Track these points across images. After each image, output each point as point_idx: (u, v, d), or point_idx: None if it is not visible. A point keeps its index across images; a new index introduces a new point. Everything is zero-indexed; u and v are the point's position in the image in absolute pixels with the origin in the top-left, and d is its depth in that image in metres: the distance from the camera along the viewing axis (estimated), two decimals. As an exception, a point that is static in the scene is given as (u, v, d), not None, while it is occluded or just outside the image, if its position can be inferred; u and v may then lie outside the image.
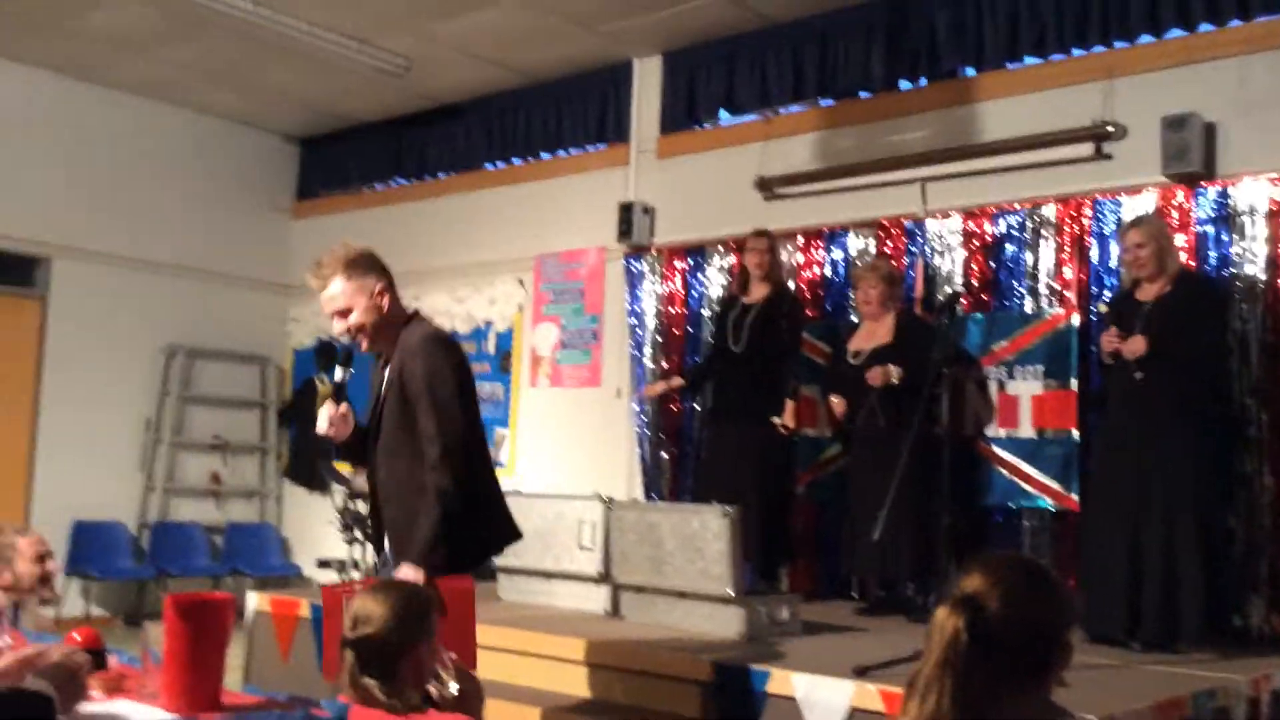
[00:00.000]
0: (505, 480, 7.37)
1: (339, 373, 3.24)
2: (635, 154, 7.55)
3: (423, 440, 3.03)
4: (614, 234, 7.37)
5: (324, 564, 8.15)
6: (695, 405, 6.92)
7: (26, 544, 3.23)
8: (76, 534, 7.93)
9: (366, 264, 3.19)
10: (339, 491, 7.32)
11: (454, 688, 2.37)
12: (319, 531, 8.33)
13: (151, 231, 8.60)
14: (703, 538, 4.36)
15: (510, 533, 3.33)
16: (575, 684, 4.01)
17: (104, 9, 7.08)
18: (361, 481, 7.04)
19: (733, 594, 4.28)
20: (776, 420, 5.59)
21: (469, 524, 3.06)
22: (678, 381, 6.45)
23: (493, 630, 4.30)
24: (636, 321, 7.34)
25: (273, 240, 9.47)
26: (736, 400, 5.77)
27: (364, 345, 3.23)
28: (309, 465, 8.89)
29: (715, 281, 7.01)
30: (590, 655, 4.02)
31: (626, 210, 7.32)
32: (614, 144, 7.71)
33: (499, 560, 5.18)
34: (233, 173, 9.23)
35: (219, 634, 2.04)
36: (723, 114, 7.23)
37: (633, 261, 7.41)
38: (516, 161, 8.27)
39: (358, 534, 6.67)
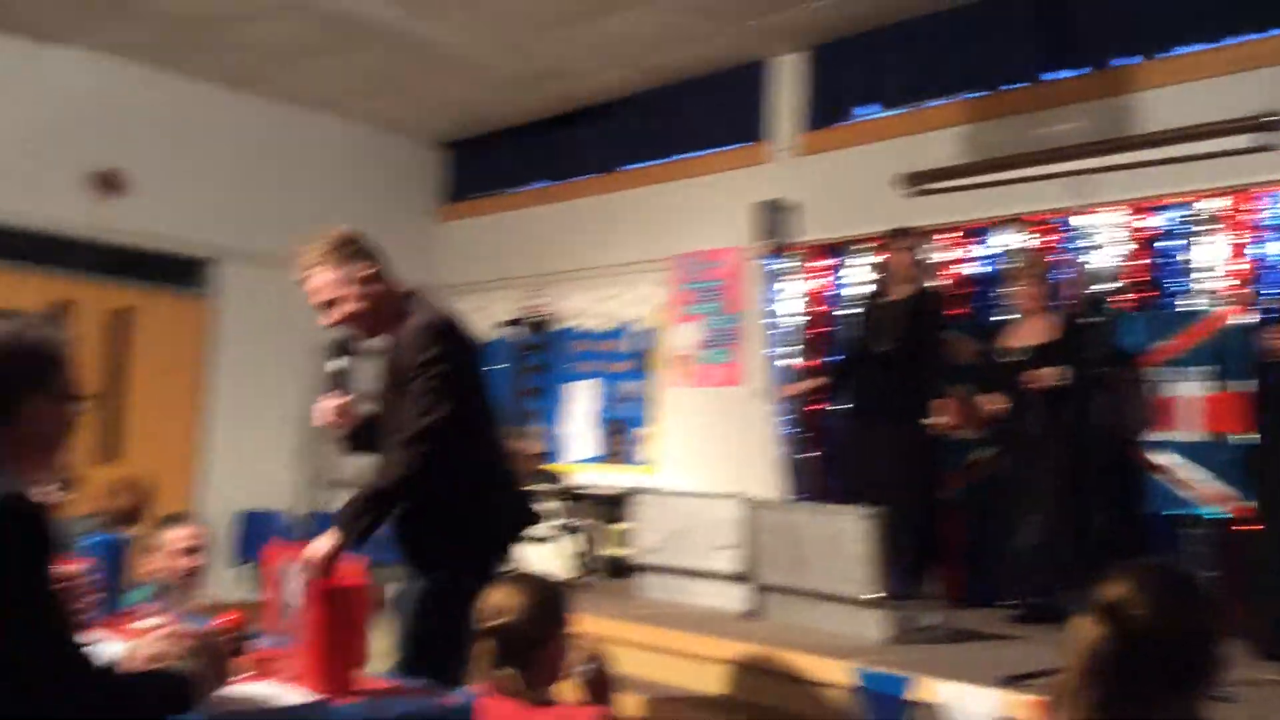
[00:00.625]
0: (647, 478, 7.49)
1: (333, 363, 3.17)
2: (775, 152, 7.48)
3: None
4: (754, 233, 7.32)
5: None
6: (838, 405, 6.80)
7: (174, 538, 3.38)
8: (240, 524, 8.30)
9: (350, 250, 3.10)
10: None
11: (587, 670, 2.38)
12: (465, 527, 8.49)
13: (309, 234, 8.91)
14: (844, 539, 4.28)
15: (525, 517, 3.22)
16: (714, 682, 3.98)
17: (263, 22, 7.37)
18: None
19: (875, 597, 4.19)
20: (928, 420, 5.42)
21: (478, 513, 2.98)
22: (819, 381, 6.34)
23: (632, 627, 4.32)
24: (777, 320, 7.27)
25: (422, 243, 9.72)
26: (880, 400, 5.64)
27: (360, 334, 3.15)
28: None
29: (857, 280, 6.89)
30: (729, 654, 3.99)
31: (767, 209, 7.26)
32: (754, 142, 7.65)
33: (639, 557, 5.19)
34: (384, 178, 9.51)
35: (358, 619, 2.09)
36: (865, 109, 7.09)
37: (773, 260, 7.34)
38: (656, 162, 8.28)
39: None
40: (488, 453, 3.09)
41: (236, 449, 8.39)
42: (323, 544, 2.72)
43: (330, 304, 3.06)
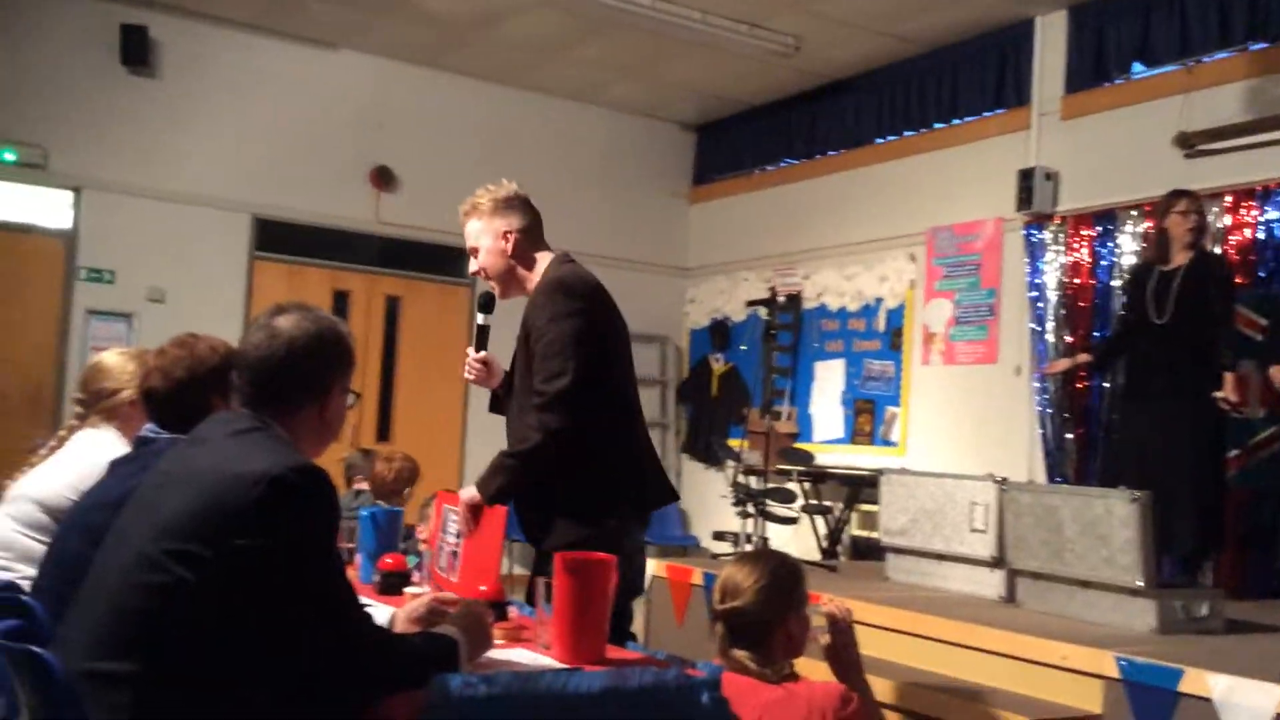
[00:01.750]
0: (895, 459, 7.35)
1: (480, 318, 3.15)
2: (1036, 117, 7.14)
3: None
4: (1013, 203, 7.01)
5: (719, 536, 8.41)
6: (1104, 383, 6.44)
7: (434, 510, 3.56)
8: (501, 500, 8.69)
9: (503, 206, 3.06)
10: (732, 466, 7.50)
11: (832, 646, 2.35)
12: (715, 504, 8.60)
13: (564, 221, 9.08)
14: (1108, 524, 4.05)
15: (662, 493, 3.10)
16: (967, 669, 3.87)
17: (519, 18, 7.67)
18: (754, 456, 7.21)
19: (1143, 585, 3.95)
20: (1218, 395, 5.01)
21: (608, 479, 2.90)
22: (1084, 358, 5.95)
23: (882, 610, 4.25)
24: (1038, 295, 6.94)
25: (671, 225, 9.88)
26: (1159, 376, 5.24)
27: (496, 291, 3.12)
28: (705, 441, 9.20)
29: (1127, 249, 6.48)
30: (983, 641, 3.86)
31: (1027, 177, 6.93)
32: (1013, 108, 7.33)
33: (886, 539, 5.10)
34: (635, 163, 9.71)
35: (602, 592, 2.15)
36: (1136, 67, 6.65)
37: (1033, 231, 7.01)
38: (908, 133, 8.07)
39: (750, 508, 6.80)
40: (620, 415, 3.01)
41: (498, 429, 8.78)
42: (466, 494, 2.90)
43: (474, 253, 3.10)
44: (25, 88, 7.43)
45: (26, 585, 2.57)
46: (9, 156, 7.39)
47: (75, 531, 2.34)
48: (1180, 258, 5.27)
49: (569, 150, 9.33)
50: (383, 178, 8.56)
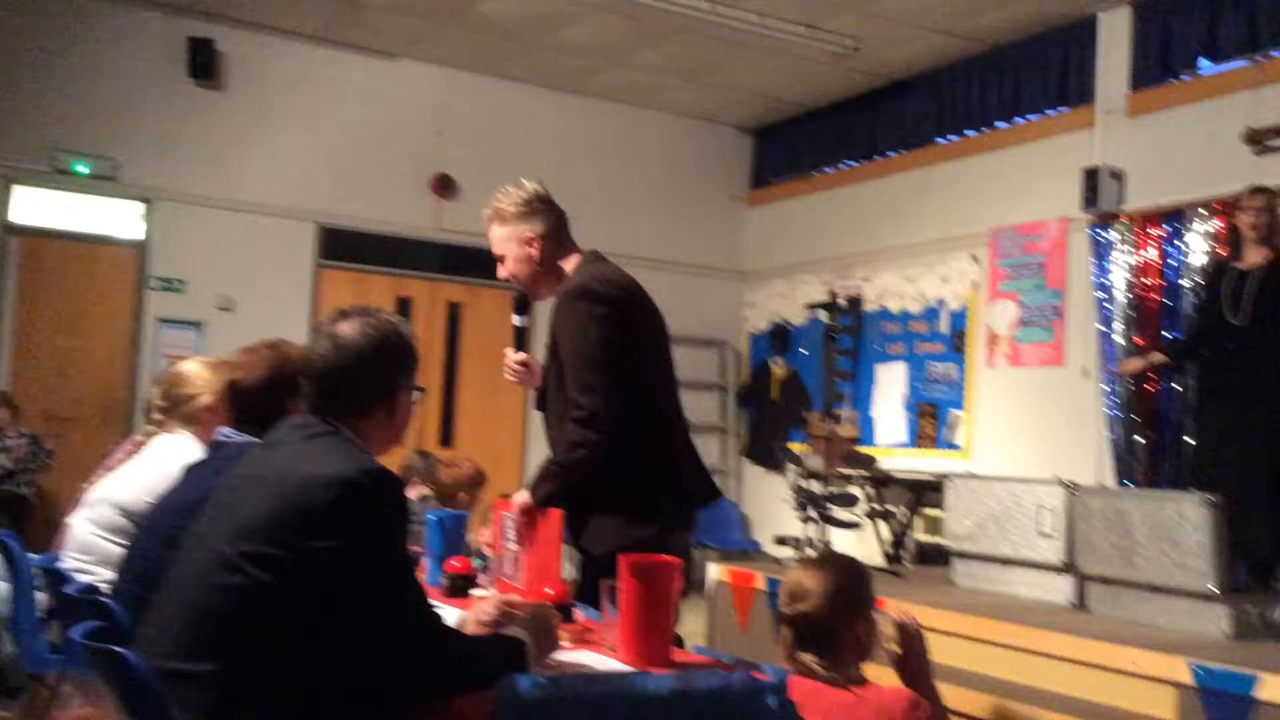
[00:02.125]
0: (960, 463, 7.27)
1: (516, 319, 3.13)
2: (1101, 115, 7.03)
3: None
4: (1078, 202, 6.91)
5: (781, 541, 8.36)
6: (1174, 385, 6.32)
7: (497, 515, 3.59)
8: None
9: (526, 211, 3.01)
10: (793, 470, 7.47)
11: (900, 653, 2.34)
12: (776, 509, 8.56)
13: (623, 226, 9.23)
14: (1180, 528, 3.98)
15: (704, 491, 3.06)
16: (1036, 675, 3.82)
17: (577, 24, 7.72)
18: (815, 460, 7.17)
19: (1216, 590, 3.87)
20: None
21: (648, 481, 2.87)
22: (1159, 357, 5.83)
23: (949, 615, 4.21)
24: (1104, 295, 6.83)
25: (729, 229, 9.87)
26: (1236, 378, 5.14)
27: (531, 296, 3.09)
28: (765, 445, 9.17)
29: (1197, 248, 6.36)
30: (1053, 647, 3.81)
31: (1092, 176, 6.83)
32: (1076, 106, 7.22)
33: (952, 544, 5.05)
34: (693, 167, 9.71)
35: (667, 594, 2.16)
36: (1203, 63, 6.53)
37: (1100, 231, 6.90)
38: (969, 133, 7.99)
39: (812, 512, 6.76)
40: (654, 422, 2.96)
41: (559, 432, 8.83)
42: (519, 497, 2.92)
43: (500, 260, 3.07)
44: (97, 101, 7.62)
45: (105, 588, 2.64)
46: (82, 169, 7.58)
47: (151, 534, 2.40)
48: (1255, 256, 5.16)
49: (627, 155, 9.36)
50: (444, 185, 8.65)
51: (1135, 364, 6.01)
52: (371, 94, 8.45)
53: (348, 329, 2.08)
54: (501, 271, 3.06)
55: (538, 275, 3.03)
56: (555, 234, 3.05)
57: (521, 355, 3.16)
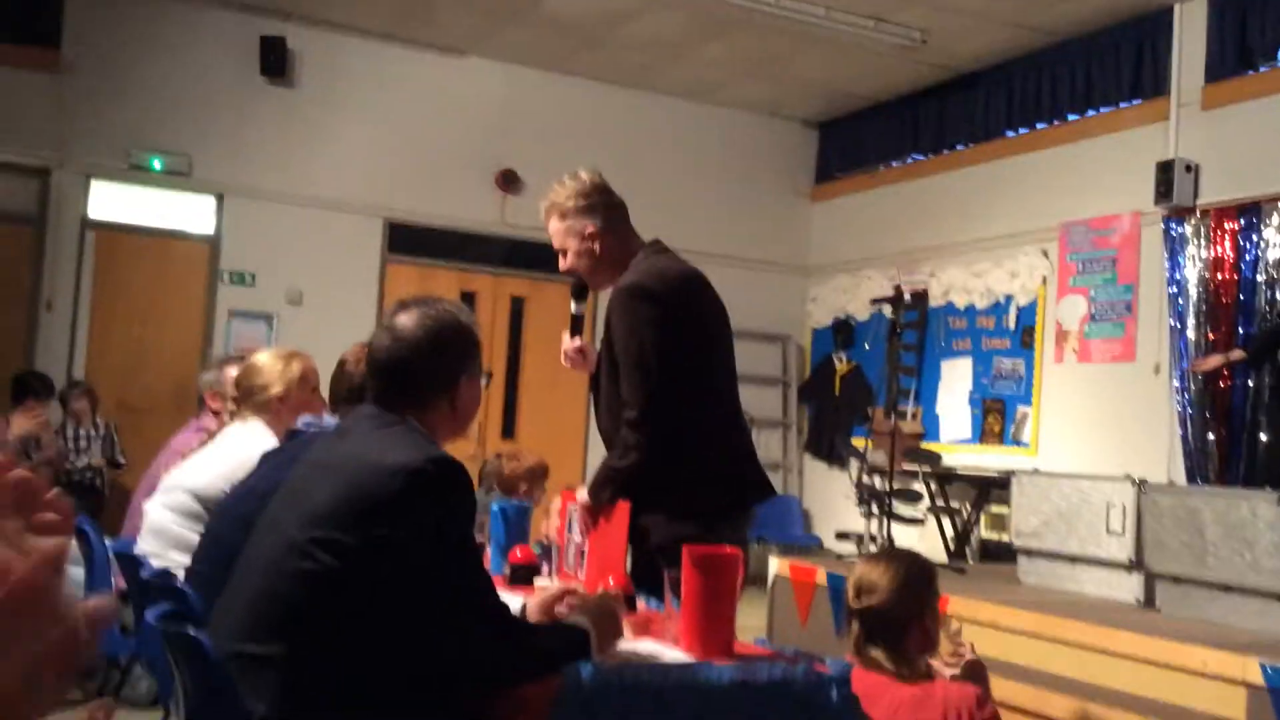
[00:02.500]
0: (1027, 460, 7.17)
1: (574, 306, 3.12)
2: (1175, 107, 6.89)
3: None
4: (1150, 196, 6.78)
5: (842, 536, 8.33)
6: (1248, 382, 6.18)
7: (558, 506, 3.62)
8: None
9: (585, 205, 2.99)
10: (855, 465, 7.43)
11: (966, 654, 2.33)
12: (838, 504, 8.53)
13: (686, 222, 9.21)
14: (1253, 527, 3.90)
15: (759, 489, 3.04)
16: (1103, 674, 3.76)
17: (641, 20, 7.73)
18: (878, 456, 7.12)
19: (1292, 592, 3.79)
20: None
21: (703, 477, 2.86)
22: (1238, 354, 5.68)
23: (1015, 613, 4.16)
24: (1177, 291, 6.70)
25: (793, 224, 9.82)
26: None
27: (591, 287, 3.09)
28: (827, 440, 9.13)
29: (1273, 243, 6.21)
30: (1121, 646, 3.75)
31: (1165, 169, 6.69)
32: (1150, 99, 7.09)
33: (1018, 541, 4.99)
34: (757, 161, 9.68)
35: (729, 585, 2.16)
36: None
37: (1173, 225, 6.77)
38: (1039, 126, 7.87)
39: (874, 508, 6.72)
40: (710, 418, 2.96)
41: (621, 426, 8.85)
42: (582, 496, 2.94)
43: (562, 253, 3.06)
44: (171, 99, 7.79)
45: (179, 573, 2.70)
46: (156, 164, 7.75)
47: (228, 519, 2.46)
48: None
49: (691, 150, 9.35)
50: (508, 181, 8.71)
51: (1213, 361, 5.88)
52: (438, 90, 8.53)
53: (406, 321, 2.10)
54: (563, 264, 3.07)
55: (599, 269, 3.03)
56: (615, 227, 3.04)
57: (577, 341, 3.15)
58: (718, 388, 3.04)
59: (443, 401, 2.11)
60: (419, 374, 2.08)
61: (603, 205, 3.03)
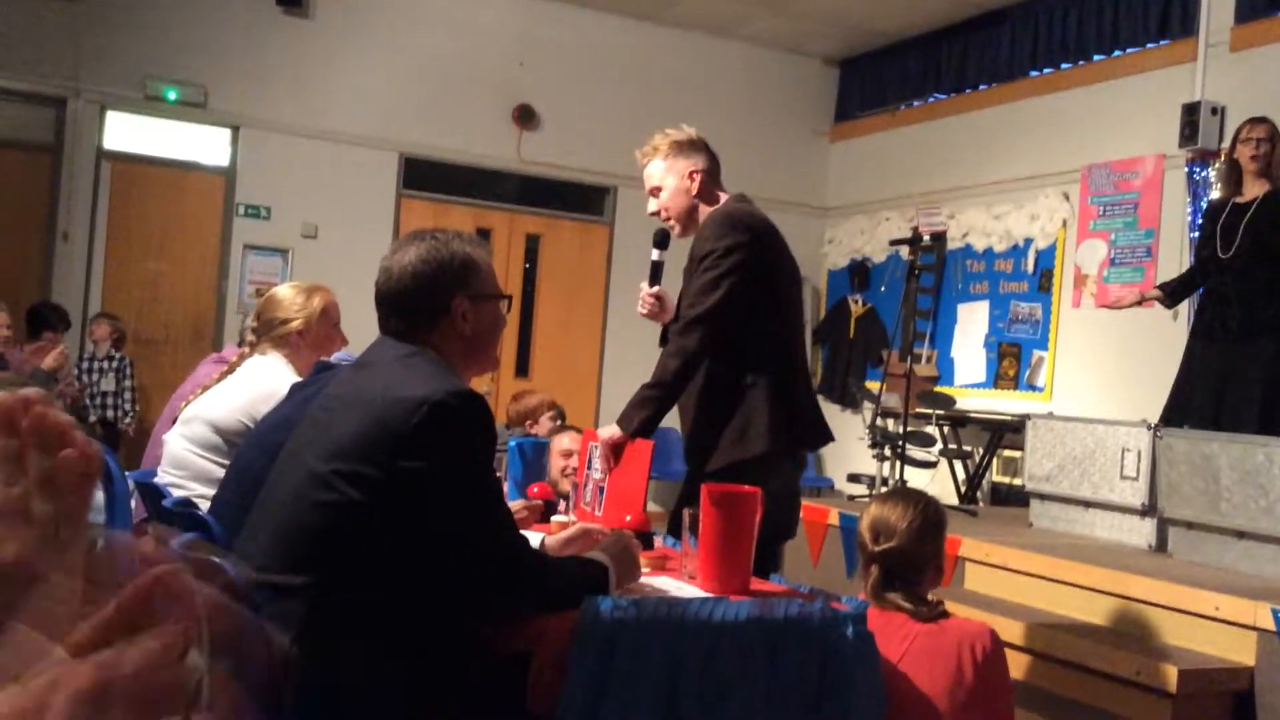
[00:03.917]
0: (1041, 404, 7.17)
1: (655, 254, 3.18)
2: (1203, 48, 6.77)
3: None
4: (1175, 139, 6.69)
5: (854, 478, 8.36)
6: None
7: (559, 444, 3.63)
8: (637, 436, 8.79)
9: (688, 148, 3.12)
10: (869, 408, 7.43)
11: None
12: (851, 447, 8.53)
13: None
14: (1268, 473, 3.89)
15: (816, 435, 3.10)
16: (1114, 617, 3.79)
17: (661, -49, 7.60)
18: (892, 399, 7.12)
19: (1305, 538, 3.79)
20: None
21: (760, 414, 2.89)
22: (1155, 293, 5.56)
23: (1027, 555, 4.18)
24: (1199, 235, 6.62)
25: (811, 164, 9.73)
26: (1228, 315, 4.97)
27: (675, 230, 3.14)
28: (841, 382, 9.12)
29: (1299, 188, 6.11)
30: (1132, 589, 3.77)
31: (1191, 112, 6.60)
32: (1177, 39, 6.97)
33: (1031, 485, 4.99)
34: (775, 99, 9.57)
35: (747, 524, 2.17)
36: (1315, -7, 6.25)
37: (1197, 169, 6.69)
38: (1064, 66, 7.75)
39: (886, 450, 6.74)
40: (774, 361, 2.99)
41: (633, 366, 8.86)
42: (607, 432, 2.95)
43: (655, 193, 3.14)
44: (186, 29, 7.72)
45: (199, 503, 2.73)
46: (171, 95, 7.70)
47: (256, 449, 2.47)
48: (1255, 189, 4.97)
49: (708, 87, 9.24)
50: (524, 116, 8.64)
51: (1126, 299, 5.81)
52: (455, 23, 8.44)
53: (396, 252, 2.11)
54: (652, 206, 3.14)
55: (693, 208, 3.10)
56: (712, 172, 3.15)
57: (656, 289, 3.20)
58: (788, 330, 3.10)
59: (446, 325, 2.07)
60: (411, 298, 2.07)
61: (705, 151, 3.17)
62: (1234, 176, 5.08)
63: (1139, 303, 5.75)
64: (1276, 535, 3.88)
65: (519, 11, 8.63)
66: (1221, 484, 4.07)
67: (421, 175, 8.49)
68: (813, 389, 3.21)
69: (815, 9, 8.49)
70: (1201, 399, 5.06)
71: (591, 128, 8.73)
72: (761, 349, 2.97)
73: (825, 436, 3.16)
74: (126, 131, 7.72)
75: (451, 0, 8.43)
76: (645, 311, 3.23)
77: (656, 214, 3.16)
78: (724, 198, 3.14)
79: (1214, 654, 3.44)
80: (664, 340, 3.23)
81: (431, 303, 2.08)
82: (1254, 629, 3.35)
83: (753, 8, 8.57)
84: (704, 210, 3.11)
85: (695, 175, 3.10)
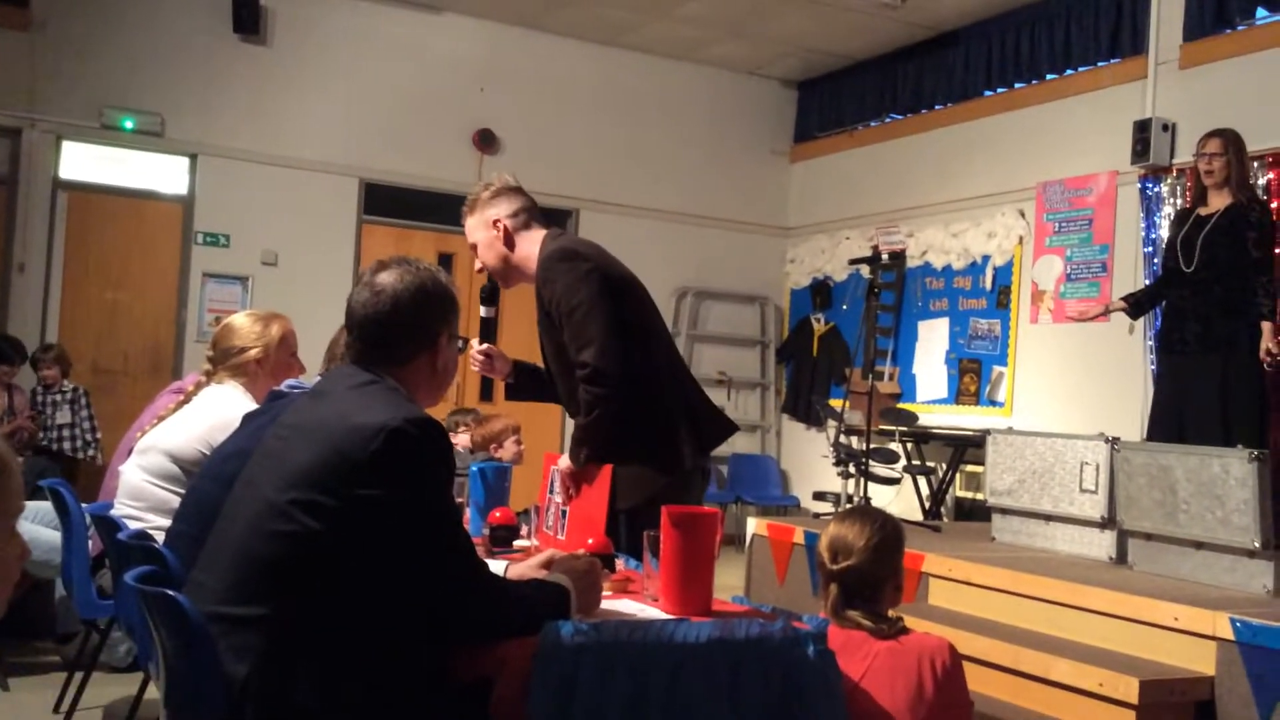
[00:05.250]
0: (1002, 420, 7.23)
1: (483, 310, 3.18)
2: (1153, 66, 6.90)
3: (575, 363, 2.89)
4: (1128, 156, 6.80)
5: (820, 496, 8.39)
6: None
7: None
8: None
9: (494, 197, 3.08)
10: (833, 426, 7.46)
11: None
12: (816, 465, 8.58)
13: (664, 182, 9.22)
14: (1224, 484, 3.95)
15: (721, 427, 3.11)
16: (1075, 629, 3.82)
17: (618, -25, 7.65)
18: (855, 416, 7.15)
19: (1259, 546, 3.84)
20: (1268, 347, 4.80)
21: (666, 426, 2.92)
22: (1119, 304, 5.65)
23: (988, 570, 4.21)
24: (1153, 250, 6.73)
25: (771, 184, 9.80)
26: (1189, 328, 5.04)
27: (502, 283, 3.13)
28: (805, 401, 9.16)
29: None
30: (1092, 602, 3.81)
31: (1143, 129, 6.71)
32: (1128, 57, 7.09)
33: (992, 499, 5.03)
34: (736, 122, 9.63)
35: (707, 545, 2.18)
36: (1260, 12, 6.38)
37: (1149, 185, 6.80)
38: (1018, 85, 7.87)
39: (851, 467, 6.77)
40: (659, 367, 3.01)
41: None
42: (564, 463, 3.00)
43: (474, 250, 3.13)
44: (142, 57, 7.67)
45: (156, 535, 2.70)
46: (128, 124, 7.65)
47: (209, 480, 2.45)
48: (1217, 201, 5.07)
49: (670, 110, 9.30)
50: (485, 140, 8.65)
51: (1091, 310, 5.90)
52: (414, 48, 8.44)
53: (387, 278, 2.10)
54: (477, 264, 3.12)
55: (506, 258, 3.08)
56: (519, 215, 3.09)
57: (485, 346, 3.22)
58: (660, 338, 3.09)
59: (422, 360, 2.11)
60: (399, 329, 2.08)
61: (510, 196, 3.10)
62: (1199, 189, 5.18)
63: (1105, 313, 5.83)
64: (1234, 545, 3.93)
65: (479, 36, 8.65)
66: (1179, 495, 4.12)
67: (382, 201, 8.47)
68: (697, 382, 3.20)
69: (774, 32, 8.57)
70: (1164, 413, 5.13)
71: (552, 152, 8.75)
72: (644, 363, 2.94)
73: (729, 426, 3.17)
74: (83, 161, 7.66)
75: (411, 25, 8.44)
76: (477, 368, 3.24)
77: (481, 271, 3.14)
78: (538, 236, 3.08)
79: (1175, 664, 3.47)
80: (510, 395, 3.32)
81: (419, 335, 2.10)
82: (1213, 638, 3.39)
83: (712, 32, 8.64)
84: (523, 255, 3.06)
85: (499, 224, 3.06)
